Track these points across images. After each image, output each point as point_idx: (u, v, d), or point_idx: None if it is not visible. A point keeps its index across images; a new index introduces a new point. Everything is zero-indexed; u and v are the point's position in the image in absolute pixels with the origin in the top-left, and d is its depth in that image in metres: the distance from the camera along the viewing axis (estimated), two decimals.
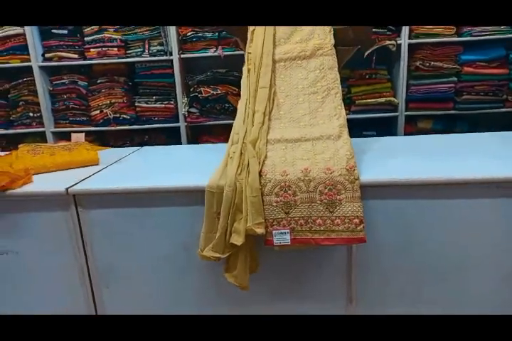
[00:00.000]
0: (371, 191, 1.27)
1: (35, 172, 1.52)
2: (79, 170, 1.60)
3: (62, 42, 2.85)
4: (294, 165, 1.27)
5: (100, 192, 1.37)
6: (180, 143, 2.93)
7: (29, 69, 2.86)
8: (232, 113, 2.74)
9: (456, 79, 2.72)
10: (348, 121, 1.37)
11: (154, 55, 2.83)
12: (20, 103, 2.98)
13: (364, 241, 1.22)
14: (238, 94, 1.46)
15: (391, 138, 2.09)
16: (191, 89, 2.87)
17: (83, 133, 2.07)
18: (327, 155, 1.28)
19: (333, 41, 1.44)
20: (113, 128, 2.95)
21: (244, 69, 1.48)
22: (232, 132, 1.40)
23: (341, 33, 1.50)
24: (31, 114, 2.98)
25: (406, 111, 2.81)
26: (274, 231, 1.23)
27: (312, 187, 1.23)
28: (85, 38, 2.85)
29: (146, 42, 2.82)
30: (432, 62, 2.70)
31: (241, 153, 1.30)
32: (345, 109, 1.40)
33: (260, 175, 1.26)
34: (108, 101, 2.92)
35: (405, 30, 2.66)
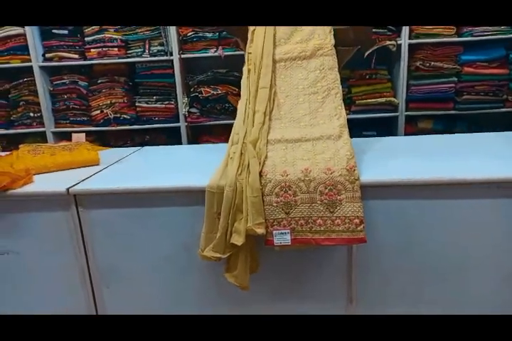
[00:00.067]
0: (371, 191, 1.27)
1: (35, 172, 1.52)
2: (79, 170, 1.60)
3: (62, 43, 2.85)
4: (295, 166, 1.27)
5: (101, 192, 1.37)
6: (181, 143, 2.93)
7: (29, 69, 2.86)
8: (232, 113, 2.74)
9: (456, 79, 2.72)
10: (348, 121, 1.38)
11: (155, 55, 2.83)
12: (21, 103, 2.98)
13: (364, 241, 1.22)
14: (238, 94, 1.46)
15: (391, 138, 2.10)
16: (191, 89, 2.87)
17: (84, 134, 2.07)
18: (327, 155, 1.28)
19: (333, 41, 1.44)
20: (113, 128, 2.95)
21: (245, 69, 1.49)
22: (232, 132, 1.40)
23: (341, 33, 1.50)
24: (32, 114, 2.98)
25: (406, 111, 2.81)
26: (274, 232, 1.23)
27: (312, 187, 1.23)
28: (86, 38, 2.86)
29: (147, 42, 2.82)
30: (432, 62, 2.70)
31: (241, 154, 1.30)
32: (346, 109, 1.41)
33: (260, 176, 1.26)
34: (108, 101, 2.92)
35: (405, 30, 2.66)
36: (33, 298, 1.50)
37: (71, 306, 1.49)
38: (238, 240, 1.22)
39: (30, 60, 2.84)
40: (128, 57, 2.87)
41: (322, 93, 1.39)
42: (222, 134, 2.88)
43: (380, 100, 2.81)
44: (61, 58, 2.87)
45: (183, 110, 2.87)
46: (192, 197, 1.32)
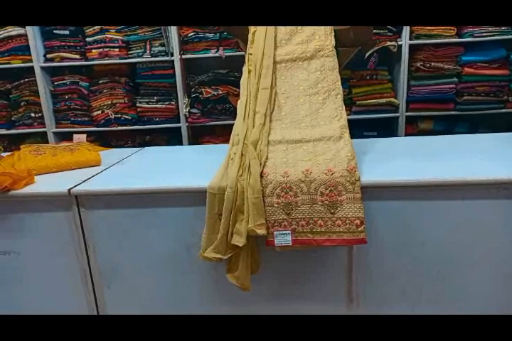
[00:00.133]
0: (372, 192, 1.28)
1: (37, 172, 1.53)
2: (81, 170, 1.61)
3: (63, 43, 2.85)
4: (295, 166, 1.27)
5: (102, 192, 1.38)
6: (182, 144, 2.93)
7: (31, 69, 2.86)
8: (233, 113, 2.74)
9: (456, 79, 2.72)
10: (349, 121, 1.38)
11: (155, 56, 2.83)
12: (22, 103, 2.98)
13: (365, 242, 1.22)
14: (239, 95, 1.47)
15: (392, 138, 2.10)
16: (192, 90, 2.87)
17: (85, 134, 2.08)
18: (328, 156, 1.28)
19: (333, 43, 1.44)
20: (114, 128, 2.95)
21: (244, 69, 1.49)
22: (232, 133, 1.40)
23: (342, 34, 1.50)
24: (33, 115, 2.98)
25: (407, 111, 2.81)
26: (275, 232, 1.24)
27: (313, 188, 1.24)
28: (87, 39, 2.86)
29: (148, 42, 2.82)
30: (433, 63, 2.70)
31: (242, 154, 1.31)
32: (346, 110, 1.41)
33: (261, 176, 1.26)
34: (109, 102, 2.93)
35: (406, 31, 2.66)
36: (34, 298, 1.50)
37: (72, 306, 1.49)
38: (239, 241, 1.22)
39: (31, 61, 2.84)
40: (129, 58, 2.87)
41: (323, 94, 1.40)
42: (222, 135, 2.89)
43: (380, 101, 2.81)
44: (62, 59, 2.87)
45: (183, 110, 2.88)
46: (193, 197, 1.33)
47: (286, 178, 1.25)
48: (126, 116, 2.95)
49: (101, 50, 2.84)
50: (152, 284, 1.46)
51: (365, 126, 2.85)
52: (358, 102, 2.82)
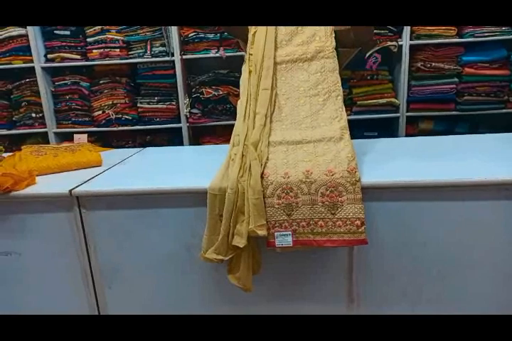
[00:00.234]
0: (372, 193, 1.28)
1: (38, 173, 1.53)
2: (82, 171, 1.61)
3: (64, 43, 2.86)
4: (296, 167, 1.27)
5: (103, 193, 1.38)
6: (182, 144, 2.94)
7: (32, 70, 2.87)
8: (233, 114, 2.73)
9: (457, 80, 2.73)
10: (350, 121, 1.38)
11: (156, 56, 2.84)
12: (23, 103, 2.99)
13: (365, 243, 1.22)
14: (239, 95, 1.47)
15: (392, 139, 2.10)
16: (193, 90, 2.88)
17: (86, 134, 2.08)
18: (328, 157, 1.28)
19: (334, 44, 1.44)
20: (115, 128, 2.96)
21: (244, 69, 1.49)
22: (233, 134, 1.40)
23: (342, 34, 1.50)
24: (34, 115, 2.99)
25: (407, 112, 2.81)
26: (276, 233, 1.24)
27: (314, 189, 1.24)
28: (87, 39, 2.87)
29: (148, 43, 2.83)
30: (433, 63, 2.70)
31: (242, 155, 1.31)
32: (347, 110, 1.41)
33: (262, 177, 1.26)
34: (110, 102, 2.93)
35: (407, 31, 2.66)
36: (35, 299, 1.50)
37: (73, 306, 1.49)
38: (240, 242, 1.22)
39: (32, 61, 2.85)
40: (130, 58, 2.88)
41: (323, 95, 1.40)
42: (223, 135, 2.89)
43: (381, 101, 2.81)
44: (63, 59, 2.88)
45: (184, 111, 2.88)
46: (194, 198, 1.33)
47: (287, 179, 1.25)
48: (127, 117, 2.95)
49: (102, 50, 2.85)
50: (153, 284, 1.46)
51: (366, 126, 2.85)
52: (358, 102, 2.83)
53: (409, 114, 2.82)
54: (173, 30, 2.76)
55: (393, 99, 2.80)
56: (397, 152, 1.66)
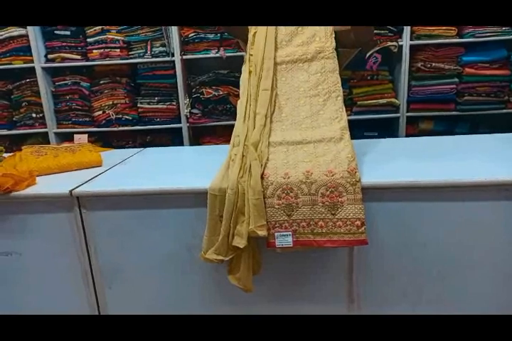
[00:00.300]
0: (373, 193, 1.28)
1: (38, 174, 1.53)
2: (82, 171, 1.61)
3: (64, 44, 2.86)
4: (296, 168, 1.28)
5: (103, 194, 1.38)
6: (182, 144, 2.94)
7: (32, 70, 2.87)
8: (233, 114, 2.72)
9: (457, 80, 2.73)
10: (350, 122, 1.38)
11: (156, 56, 2.84)
12: (23, 104, 2.99)
13: (366, 243, 1.22)
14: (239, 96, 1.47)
15: (392, 139, 2.10)
16: (193, 90, 2.88)
17: (86, 135, 2.08)
18: (328, 157, 1.28)
19: (334, 44, 1.44)
20: (115, 129, 2.96)
21: (243, 69, 1.49)
22: (233, 134, 1.40)
23: (343, 35, 1.50)
24: (34, 115, 2.99)
25: (407, 112, 2.81)
26: (276, 234, 1.24)
27: (314, 189, 1.24)
28: (88, 39, 2.87)
29: (149, 43, 2.83)
30: (434, 64, 2.70)
31: (243, 156, 1.31)
32: (347, 110, 1.42)
33: (262, 178, 1.26)
34: (110, 102, 2.93)
35: (407, 31, 2.66)
36: (36, 299, 1.51)
37: (74, 307, 1.49)
38: (240, 242, 1.22)
39: (32, 61, 2.85)
40: (130, 58, 2.87)
41: (323, 96, 1.40)
42: (223, 135, 2.89)
43: (381, 101, 2.81)
44: (63, 59, 2.88)
45: (184, 111, 2.88)
46: (194, 199, 1.33)
47: (287, 179, 1.25)
48: (127, 117, 2.95)
49: (102, 50, 2.85)
50: (153, 285, 1.46)
51: (366, 126, 2.85)
52: (358, 102, 2.82)
53: (409, 114, 2.81)
54: (174, 30, 2.75)
55: (393, 99, 2.80)
56: (397, 152, 1.66)
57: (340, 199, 1.23)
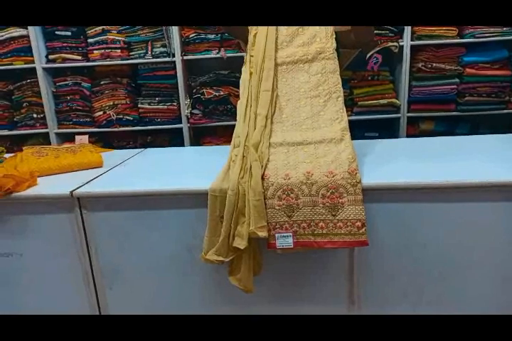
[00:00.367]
0: (373, 194, 1.28)
1: (39, 174, 1.53)
2: (83, 172, 1.61)
3: (65, 44, 2.86)
4: (297, 169, 1.28)
5: (104, 194, 1.38)
6: (183, 144, 2.94)
7: (33, 70, 2.87)
8: (234, 114, 2.71)
9: (458, 80, 2.72)
10: (350, 122, 1.38)
11: (157, 57, 2.84)
12: (24, 104, 2.99)
13: (366, 244, 1.22)
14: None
15: (393, 140, 2.10)
16: (194, 91, 2.88)
17: (87, 135, 2.08)
18: (329, 158, 1.28)
19: (334, 45, 1.44)
20: (116, 129, 2.96)
21: (244, 70, 1.49)
22: (234, 135, 1.40)
23: (343, 35, 1.50)
24: (35, 115, 2.99)
25: (408, 112, 2.81)
26: (276, 235, 1.24)
27: (314, 190, 1.24)
28: (88, 40, 2.87)
29: (149, 43, 2.83)
30: (434, 64, 2.70)
31: (243, 157, 1.31)
32: (348, 110, 1.42)
33: (263, 179, 1.26)
34: (111, 103, 2.93)
35: (407, 31, 2.66)
36: (36, 299, 1.51)
37: (74, 307, 1.50)
38: (241, 243, 1.22)
39: (33, 62, 2.85)
40: (130, 59, 2.87)
41: (324, 96, 1.40)
42: (224, 135, 2.89)
43: (382, 101, 2.81)
44: (64, 60, 2.88)
45: (185, 111, 2.88)
46: (195, 199, 1.33)
47: (288, 180, 1.25)
48: (128, 117, 2.96)
49: (103, 51, 2.85)
50: (154, 285, 1.46)
51: (367, 126, 2.85)
52: (359, 103, 2.82)
53: (410, 114, 2.81)
54: (174, 30, 2.75)
55: (394, 100, 2.80)
56: (397, 153, 1.66)
57: (340, 201, 1.23)
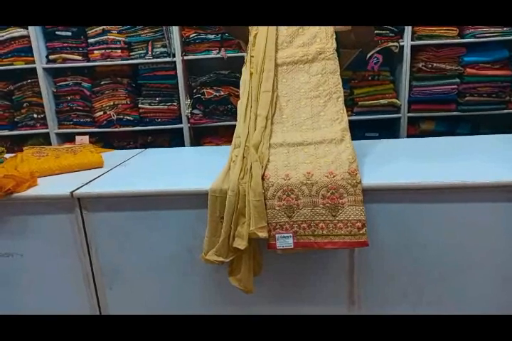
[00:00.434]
0: (373, 195, 1.28)
1: (40, 175, 1.53)
2: (83, 172, 1.61)
3: (66, 44, 2.87)
4: (297, 169, 1.28)
5: (104, 195, 1.38)
6: (183, 145, 2.94)
7: (33, 70, 2.88)
8: (234, 114, 2.73)
9: (458, 80, 2.73)
10: (351, 122, 1.38)
11: (157, 57, 2.84)
12: (25, 104, 2.99)
13: (366, 244, 1.22)
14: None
15: (393, 140, 2.10)
16: (194, 91, 2.88)
17: (87, 136, 2.08)
18: (329, 159, 1.28)
19: (335, 45, 1.44)
20: (116, 129, 2.96)
21: (244, 70, 1.49)
22: (234, 136, 1.40)
23: (343, 36, 1.50)
24: (35, 115, 3.00)
25: (408, 112, 2.81)
26: (277, 235, 1.24)
27: (315, 191, 1.24)
28: (89, 40, 2.87)
29: (150, 44, 2.83)
30: (435, 64, 2.70)
31: (243, 157, 1.31)
32: (348, 111, 1.42)
33: (263, 179, 1.26)
34: (111, 103, 2.94)
35: (408, 31, 2.66)
36: (37, 300, 1.51)
37: (74, 307, 1.50)
38: (241, 244, 1.22)
39: (33, 62, 2.86)
40: (131, 59, 2.88)
41: (324, 97, 1.40)
42: (224, 135, 2.90)
43: (382, 101, 2.81)
44: (64, 60, 2.88)
45: (185, 111, 2.88)
46: (195, 200, 1.33)
47: (288, 181, 1.25)
48: (129, 117, 2.96)
49: (103, 51, 2.85)
50: (154, 286, 1.46)
51: (367, 126, 2.85)
52: (359, 103, 2.82)
53: (410, 114, 2.81)
54: (175, 31, 2.76)
55: (394, 100, 2.80)
56: (398, 153, 1.66)
57: (341, 201, 1.23)
